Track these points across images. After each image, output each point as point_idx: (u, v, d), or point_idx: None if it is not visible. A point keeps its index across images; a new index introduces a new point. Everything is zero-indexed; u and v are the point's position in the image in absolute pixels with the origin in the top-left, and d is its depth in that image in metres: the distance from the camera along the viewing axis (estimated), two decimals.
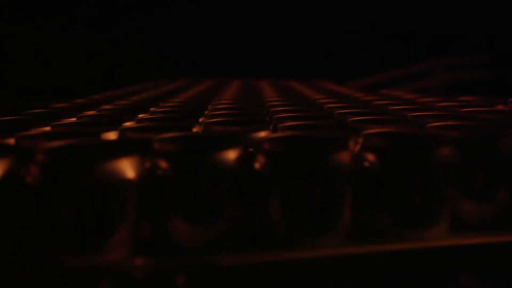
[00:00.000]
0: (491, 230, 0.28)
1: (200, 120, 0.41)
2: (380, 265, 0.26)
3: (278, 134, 0.30)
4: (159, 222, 0.25)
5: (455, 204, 0.28)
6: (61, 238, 0.23)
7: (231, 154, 0.25)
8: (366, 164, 0.27)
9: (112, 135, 0.32)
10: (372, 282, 0.26)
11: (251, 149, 0.27)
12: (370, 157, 0.27)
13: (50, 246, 0.23)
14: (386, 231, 0.27)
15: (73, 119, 0.42)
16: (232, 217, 0.26)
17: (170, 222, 0.25)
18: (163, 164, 0.25)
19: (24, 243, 0.24)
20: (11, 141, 0.29)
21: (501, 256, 0.27)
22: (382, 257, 0.26)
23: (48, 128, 0.36)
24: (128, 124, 0.37)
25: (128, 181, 0.24)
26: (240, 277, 0.25)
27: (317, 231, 0.25)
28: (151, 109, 0.50)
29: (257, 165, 0.26)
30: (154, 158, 0.25)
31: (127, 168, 0.24)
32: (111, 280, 0.24)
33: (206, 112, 0.48)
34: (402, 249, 0.26)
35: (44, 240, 0.24)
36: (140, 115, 0.44)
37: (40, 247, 0.24)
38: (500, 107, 0.53)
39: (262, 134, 0.32)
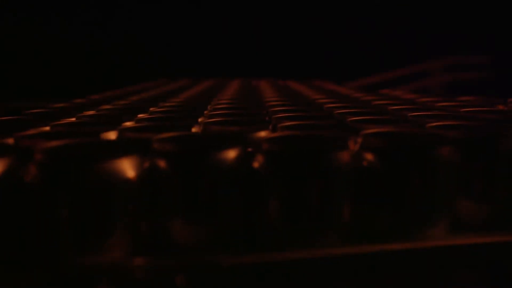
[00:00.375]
0: (491, 230, 0.28)
1: (200, 120, 0.41)
2: (380, 265, 0.26)
3: (278, 134, 0.30)
4: (158, 222, 0.25)
5: (454, 204, 0.28)
6: (60, 238, 0.23)
7: (230, 154, 0.25)
8: (365, 164, 0.26)
9: (111, 135, 0.32)
10: (372, 282, 0.26)
11: (250, 149, 0.27)
12: (370, 157, 0.27)
13: (50, 246, 0.23)
14: (385, 231, 0.26)
15: (73, 119, 0.42)
16: (231, 217, 0.25)
17: (170, 222, 0.25)
18: (162, 164, 0.25)
19: (24, 243, 0.24)
20: (11, 141, 0.29)
21: (501, 256, 0.27)
22: (382, 257, 0.26)
23: (47, 128, 0.36)
24: (127, 124, 0.37)
25: (127, 181, 0.24)
26: (240, 277, 0.25)
27: (317, 231, 0.25)
28: (151, 109, 0.50)
29: (256, 165, 0.26)
30: (153, 158, 0.25)
31: (126, 168, 0.24)
32: (111, 280, 0.23)
33: (205, 112, 0.48)
34: (402, 249, 0.26)
35: (43, 240, 0.24)
36: (139, 115, 0.44)
37: (40, 247, 0.24)
38: (500, 107, 0.52)
39: (262, 134, 0.32)
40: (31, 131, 0.32)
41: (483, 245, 0.27)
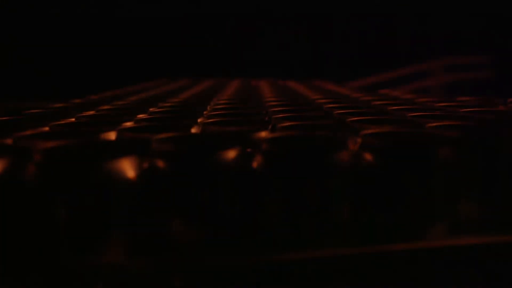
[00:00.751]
0: (491, 230, 0.28)
1: (199, 120, 0.41)
2: (380, 265, 0.26)
3: (277, 134, 0.30)
4: (157, 222, 0.25)
5: (454, 204, 0.28)
6: (60, 238, 0.23)
7: (230, 155, 0.25)
8: (365, 164, 0.26)
9: (111, 136, 0.32)
10: (372, 282, 0.26)
11: (249, 150, 0.27)
12: (369, 157, 0.27)
13: (49, 246, 0.23)
14: (385, 231, 0.26)
15: (72, 120, 0.42)
16: (231, 217, 0.25)
17: (169, 223, 0.25)
18: (161, 164, 0.25)
19: (23, 243, 0.24)
20: (10, 141, 0.29)
21: (501, 256, 0.27)
22: (381, 257, 0.26)
23: (47, 128, 0.36)
24: (127, 124, 0.37)
25: (127, 181, 0.24)
26: (239, 277, 0.25)
27: (316, 230, 0.25)
28: (150, 109, 0.50)
29: (255, 165, 0.26)
30: (153, 158, 0.25)
31: (126, 168, 0.24)
32: (110, 280, 0.23)
33: (205, 112, 0.48)
34: (402, 249, 0.26)
35: (43, 240, 0.23)
36: (139, 115, 0.44)
37: (39, 247, 0.24)
38: (500, 107, 0.52)
39: (261, 134, 0.32)
40: (31, 132, 0.32)
41: (483, 245, 0.27)
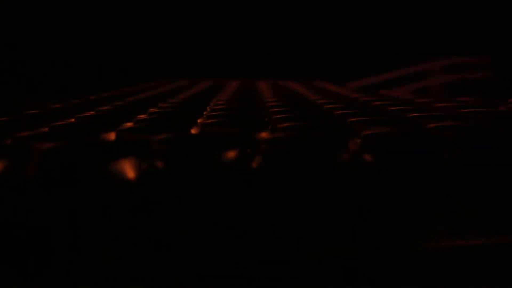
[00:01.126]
0: (492, 230, 0.28)
1: (199, 120, 0.41)
2: (380, 265, 0.26)
3: (277, 135, 0.30)
4: (157, 223, 0.25)
5: (454, 204, 0.28)
6: (58, 238, 0.23)
7: (229, 155, 0.25)
8: (366, 164, 0.26)
9: (110, 136, 0.32)
10: (371, 282, 0.26)
11: (249, 150, 0.27)
12: (370, 157, 0.27)
13: (48, 246, 0.23)
14: (385, 231, 0.26)
15: (72, 120, 0.42)
16: (230, 217, 0.25)
17: (168, 223, 0.25)
18: (161, 165, 0.25)
19: (22, 243, 0.24)
20: (10, 141, 0.29)
21: (501, 256, 0.27)
22: (381, 257, 0.26)
23: (46, 129, 0.36)
24: (127, 124, 0.37)
25: (126, 181, 0.24)
26: (239, 277, 0.25)
27: (316, 231, 0.25)
28: (150, 109, 0.50)
29: (255, 166, 0.26)
30: (152, 159, 0.25)
31: (125, 169, 0.24)
32: (109, 280, 0.23)
33: (204, 112, 0.48)
34: (401, 249, 0.26)
35: (41, 240, 0.23)
36: (139, 116, 0.44)
37: (38, 247, 0.24)
38: (500, 107, 0.52)
39: (261, 135, 0.32)
40: (30, 132, 0.32)
41: (483, 245, 0.27)
